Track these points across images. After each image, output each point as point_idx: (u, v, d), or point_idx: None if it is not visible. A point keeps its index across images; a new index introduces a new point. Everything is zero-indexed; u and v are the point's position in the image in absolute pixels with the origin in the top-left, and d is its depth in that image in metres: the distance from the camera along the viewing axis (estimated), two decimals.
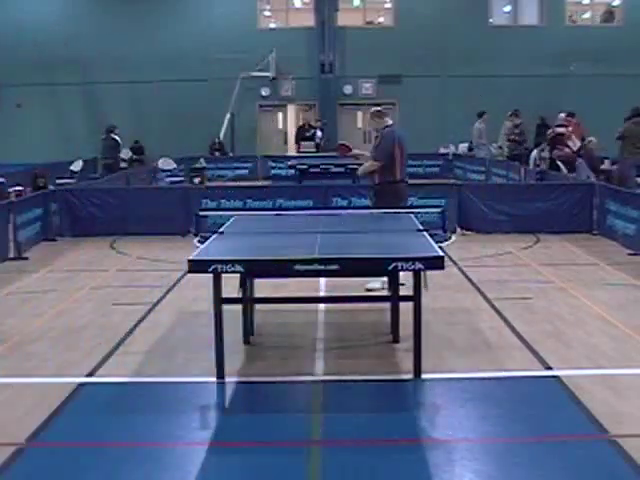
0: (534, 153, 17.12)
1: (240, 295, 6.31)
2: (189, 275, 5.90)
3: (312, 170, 18.06)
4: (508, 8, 25.87)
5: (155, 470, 4.26)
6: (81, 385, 5.62)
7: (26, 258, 10.87)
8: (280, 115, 26.48)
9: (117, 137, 19.39)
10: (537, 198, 12.49)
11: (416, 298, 5.53)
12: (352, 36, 25.28)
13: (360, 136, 24.59)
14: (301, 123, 24.15)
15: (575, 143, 14.97)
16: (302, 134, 23.52)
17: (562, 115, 15.94)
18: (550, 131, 15.80)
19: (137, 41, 24.73)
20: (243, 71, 24.35)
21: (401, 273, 7.43)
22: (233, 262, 5.32)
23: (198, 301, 7.89)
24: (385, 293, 7.90)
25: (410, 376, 5.64)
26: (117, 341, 6.69)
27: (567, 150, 14.98)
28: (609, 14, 26.05)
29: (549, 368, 5.83)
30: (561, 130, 15.05)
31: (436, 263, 5.35)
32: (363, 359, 6.15)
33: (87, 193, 13.22)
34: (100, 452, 4.53)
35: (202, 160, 21.21)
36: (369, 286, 8.26)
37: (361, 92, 25.66)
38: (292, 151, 24.60)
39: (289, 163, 20.12)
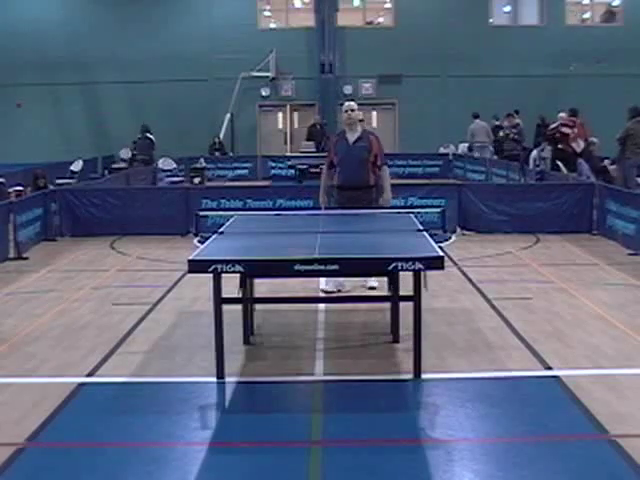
0: (534, 153, 17.12)
1: (240, 295, 6.30)
2: (189, 275, 5.90)
3: (312, 170, 18.08)
4: (508, 8, 25.88)
5: (155, 470, 4.25)
6: (81, 385, 5.62)
7: (26, 258, 10.87)
8: (280, 115, 26.48)
9: (152, 136, 20.30)
10: (537, 198, 12.49)
11: (416, 298, 5.53)
12: (352, 36, 25.29)
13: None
14: (312, 122, 23.73)
15: (579, 145, 14.88)
16: (314, 135, 23.03)
17: (562, 115, 15.91)
18: (554, 126, 15.56)
19: (137, 41, 24.73)
20: (243, 71, 24.36)
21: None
22: (233, 262, 5.32)
23: (198, 301, 7.89)
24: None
25: (410, 376, 5.64)
26: (117, 341, 6.69)
27: (570, 151, 14.90)
28: (609, 14, 26.06)
29: (549, 368, 5.83)
30: (566, 130, 14.99)
31: (436, 263, 5.34)
32: (363, 359, 6.15)
33: (87, 193, 13.22)
34: (100, 452, 4.53)
35: (202, 160, 21.22)
36: (370, 284, 8.31)
37: (361, 92, 25.65)
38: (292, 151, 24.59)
39: (289, 163, 20.13)
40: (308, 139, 22.91)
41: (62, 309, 7.88)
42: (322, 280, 8.38)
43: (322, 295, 8.17)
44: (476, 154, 20.50)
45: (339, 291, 8.25)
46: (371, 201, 8.16)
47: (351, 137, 8.26)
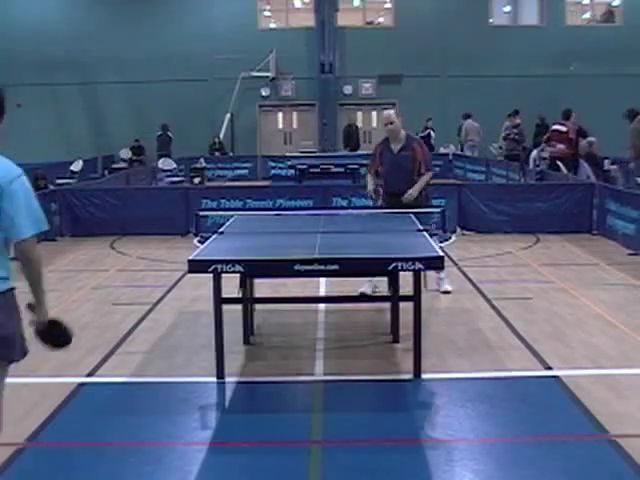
0: (534, 153, 17.10)
1: (240, 295, 6.30)
2: (189, 275, 5.90)
3: (312, 170, 18.10)
4: (508, 8, 25.89)
5: (155, 470, 4.25)
6: (81, 385, 5.62)
7: None
8: (280, 115, 26.50)
9: (170, 134, 22.25)
10: (537, 198, 12.50)
11: (416, 298, 5.53)
12: (352, 36, 25.29)
13: (359, 136, 24.49)
14: (348, 123, 23.11)
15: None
16: (351, 135, 22.57)
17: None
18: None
19: (137, 41, 24.73)
20: (243, 71, 24.36)
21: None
22: (233, 262, 5.32)
23: (198, 301, 7.89)
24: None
25: (410, 376, 5.64)
26: (117, 341, 6.69)
27: (560, 146, 14.87)
28: (609, 14, 26.07)
29: (549, 368, 5.83)
30: (562, 128, 14.99)
31: (436, 263, 5.35)
32: (363, 359, 6.15)
33: (87, 193, 13.23)
34: (100, 452, 4.53)
35: (202, 160, 21.23)
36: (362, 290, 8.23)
37: (361, 92, 25.67)
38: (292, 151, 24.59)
39: (289, 163, 20.14)
40: (345, 140, 22.27)
41: (62, 309, 7.87)
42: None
43: (324, 295, 8.16)
44: (467, 152, 20.89)
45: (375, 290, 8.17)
46: (419, 206, 7.91)
47: (395, 146, 8.14)
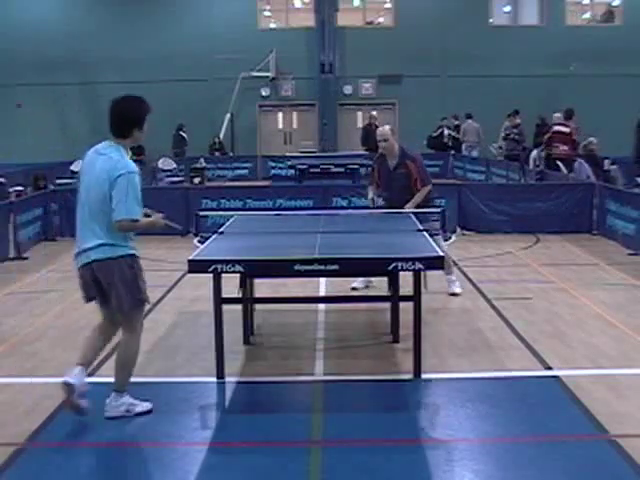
0: (534, 153, 17.10)
1: (240, 295, 6.31)
2: (189, 275, 5.90)
3: (312, 170, 18.09)
4: (508, 8, 25.88)
5: (155, 470, 4.26)
6: None
7: (26, 258, 10.87)
8: (280, 115, 26.50)
9: (184, 134, 22.74)
10: (537, 198, 12.51)
11: (416, 298, 5.53)
12: (352, 36, 25.28)
13: (359, 136, 24.50)
14: (366, 122, 22.63)
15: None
16: (369, 135, 22.12)
17: (557, 115, 15.90)
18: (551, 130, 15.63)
19: (137, 41, 24.73)
20: (243, 71, 24.36)
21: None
22: (233, 262, 5.32)
23: (198, 301, 7.89)
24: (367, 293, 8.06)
25: (410, 376, 5.64)
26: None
27: (564, 148, 14.90)
28: (609, 14, 26.07)
29: (549, 368, 5.83)
30: (564, 129, 15.00)
31: (436, 263, 5.35)
32: (363, 359, 6.15)
33: None
34: (100, 452, 4.53)
35: (202, 160, 21.22)
36: (354, 285, 8.33)
37: (361, 92, 25.67)
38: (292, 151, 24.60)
39: (289, 163, 20.13)
40: (364, 140, 21.89)
41: (62, 309, 7.87)
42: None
43: (324, 295, 8.17)
44: (464, 153, 20.97)
45: (367, 287, 8.30)
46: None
47: (391, 162, 8.04)
